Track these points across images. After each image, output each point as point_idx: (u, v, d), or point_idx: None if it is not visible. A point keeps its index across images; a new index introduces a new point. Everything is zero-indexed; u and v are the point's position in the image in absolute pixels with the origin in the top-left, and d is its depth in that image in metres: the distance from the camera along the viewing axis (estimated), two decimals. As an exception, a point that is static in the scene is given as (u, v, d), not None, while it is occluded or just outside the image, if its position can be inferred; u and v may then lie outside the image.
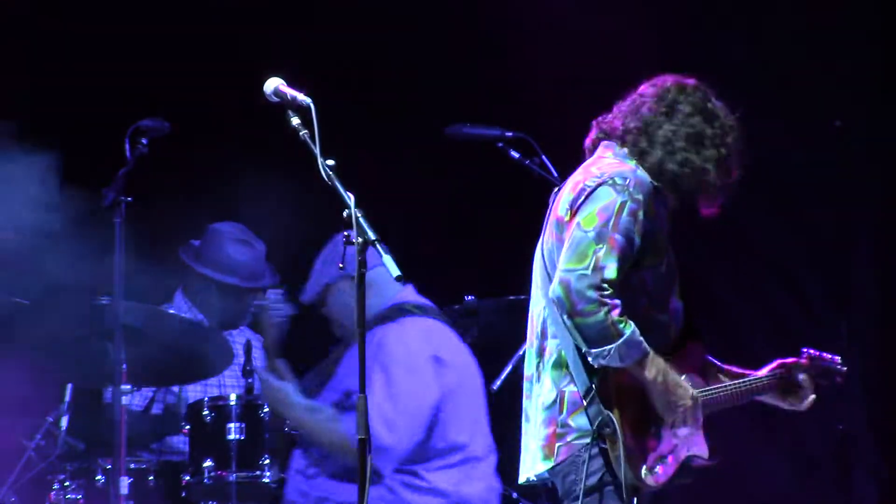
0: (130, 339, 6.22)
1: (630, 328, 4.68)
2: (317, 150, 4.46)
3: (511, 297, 6.65)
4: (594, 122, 5.05)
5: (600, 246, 4.69)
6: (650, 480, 4.77)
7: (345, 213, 4.39)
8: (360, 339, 4.37)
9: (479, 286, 7.13)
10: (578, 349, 4.74)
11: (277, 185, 7.66)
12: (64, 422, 6.67)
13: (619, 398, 4.73)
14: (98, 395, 6.91)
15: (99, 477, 6.49)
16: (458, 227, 8.43)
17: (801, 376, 5.23)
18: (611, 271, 4.67)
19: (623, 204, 4.75)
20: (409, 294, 6.28)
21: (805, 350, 5.35)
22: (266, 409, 6.42)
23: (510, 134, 6.53)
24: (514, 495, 7.30)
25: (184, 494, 6.46)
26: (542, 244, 4.93)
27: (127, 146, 6.42)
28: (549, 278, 4.81)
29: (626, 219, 4.75)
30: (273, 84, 4.63)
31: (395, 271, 4.32)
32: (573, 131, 5.19)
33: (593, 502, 4.75)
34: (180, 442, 6.89)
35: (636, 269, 4.79)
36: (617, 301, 4.67)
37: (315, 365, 6.79)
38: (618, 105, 5.02)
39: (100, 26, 7.84)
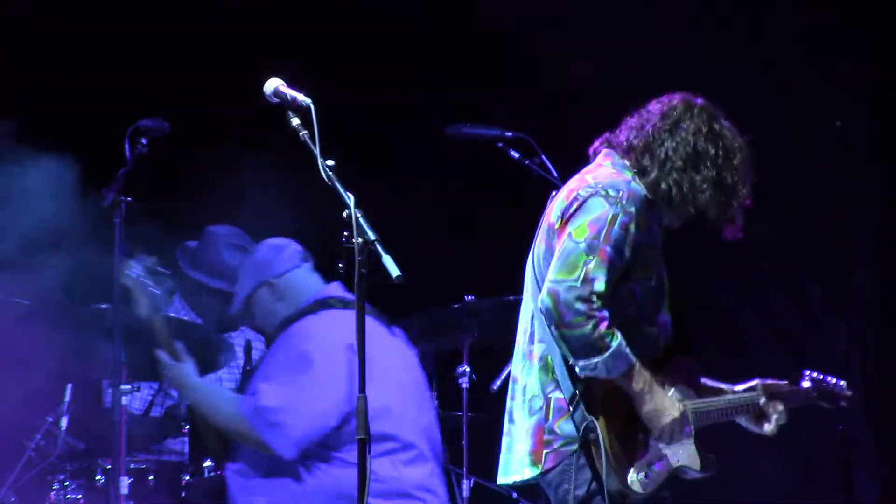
0: (130, 339, 6.22)
1: (617, 340, 4.67)
2: (317, 151, 4.46)
3: (511, 297, 6.64)
4: (602, 137, 5.03)
5: (590, 258, 4.69)
6: (637, 487, 4.76)
7: (345, 214, 4.38)
8: (359, 339, 4.36)
9: (479, 286, 7.13)
10: (565, 356, 4.74)
11: (277, 186, 7.67)
12: (64, 422, 6.67)
13: (605, 405, 4.73)
14: (98, 396, 6.91)
15: (99, 477, 6.49)
16: (458, 227, 8.43)
17: (771, 407, 5.19)
18: (600, 284, 4.67)
19: (615, 217, 4.74)
20: (333, 289, 6.15)
21: (808, 372, 5.34)
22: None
23: (510, 134, 6.53)
24: (514, 495, 7.31)
25: (184, 494, 6.46)
26: (534, 248, 4.93)
27: (127, 146, 6.42)
28: (539, 284, 4.81)
29: (618, 231, 4.74)
30: (273, 85, 4.63)
31: (395, 271, 4.31)
32: (573, 132, 5.19)
33: None
34: (178, 443, 6.89)
35: (625, 280, 4.79)
36: (605, 313, 4.67)
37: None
38: (625, 120, 5.01)
39: (100, 26, 7.84)
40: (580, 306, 4.64)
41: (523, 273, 5.00)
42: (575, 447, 4.74)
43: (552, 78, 8.21)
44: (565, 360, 4.74)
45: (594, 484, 4.73)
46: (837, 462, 8.13)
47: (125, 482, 6.18)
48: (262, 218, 7.56)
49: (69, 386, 6.77)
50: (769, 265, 8.33)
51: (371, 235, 4.35)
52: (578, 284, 4.65)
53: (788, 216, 8.25)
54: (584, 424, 4.71)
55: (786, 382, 5.25)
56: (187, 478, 6.45)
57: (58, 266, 6.66)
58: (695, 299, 7.75)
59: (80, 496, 6.54)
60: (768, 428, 5.18)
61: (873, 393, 8.12)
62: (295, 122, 4.54)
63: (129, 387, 6.24)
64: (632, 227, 4.76)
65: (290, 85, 4.62)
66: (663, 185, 4.87)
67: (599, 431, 4.68)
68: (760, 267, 8.32)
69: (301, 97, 4.57)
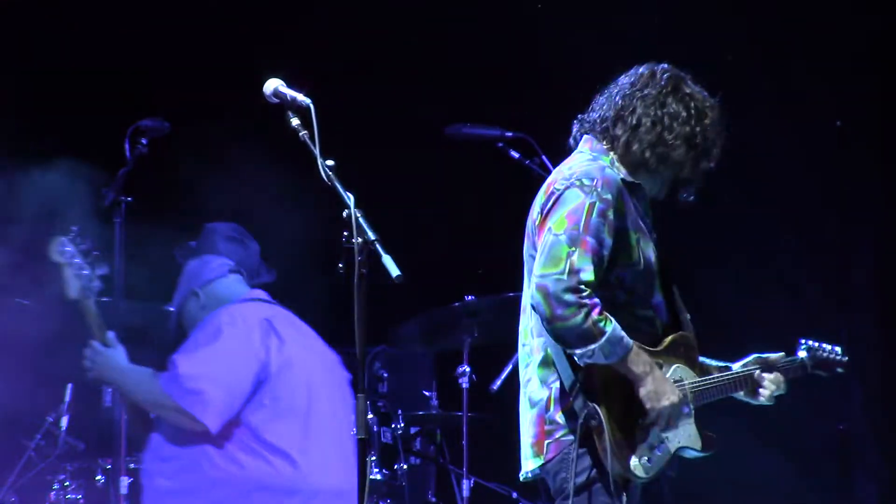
0: (131, 338, 6.22)
1: (611, 325, 4.68)
2: (316, 151, 4.46)
3: (511, 296, 6.65)
4: (575, 119, 5.07)
5: (573, 249, 4.69)
6: (639, 472, 4.76)
7: (344, 214, 4.38)
8: (359, 340, 4.36)
9: (479, 286, 7.13)
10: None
11: (277, 186, 7.66)
12: (64, 422, 6.68)
13: (605, 391, 4.73)
14: (98, 396, 6.91)
15: (99, 477, 6.50)
16: (458, 227, 8.43)
17: (766, 376, 5.21)
18: (587, 273, 4.67)
19: (592, 205, 4.74)
20: (256, 293, 6.12)
21: (803, 340, 5.35)
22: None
23: (510, 134, 6.53)
24: (514, 495, 7.31)
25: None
26: (525, 246, 4.95)
27: (127, 146, 6.42)
28: (529, 280, 4.82)
29: (596, 220, 4.74)
30: (273, 85, 4.63)
31: (395, 271, 4.31)
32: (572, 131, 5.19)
33: (583, 501, 4.74)
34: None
35: (612, 267, 4.79)
36: (596, 300, 4.67)
37: None
38: (595, 98, 5.05)
39: (100, 26, 7.84)
40: (570, 297, 4.64)
41: (516, 273, 5.01)
42: (575, 435, 4.74)
43: (552, 78, 8.22)
44: (563, 350, 4.74)
45: (594, 471, 4.73)
46: (837, 462, 8.14)
47: (125, 482, 6.17)
48: (262, 218, 7.57)
49: (69, 386, 6.78)
50: (769, 265, 8.33)
51: (371, 235, 4.35)
52: (565, 277, 4.66)
53: (789, 216, 8.25)
54: (585, 411, 4.71)
55: (782, 354, 5.26)
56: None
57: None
58: (693, 299, 7.75)
59: (80, 496, 6.55)
60: (764, 397, 5.17)
61: (873, 393, 8.13)
62: (295, 122, 4.54)
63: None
64: (609, 214, 4.76)
65: (289, 85, 4.62)
66: (636, 148, 4.89)
67: (602, 417, 4.69)
68: (760, 267, 8.32)
69: (301, 97, 4.57)
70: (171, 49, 7.96)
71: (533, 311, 4.79)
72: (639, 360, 4.75)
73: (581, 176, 4.81)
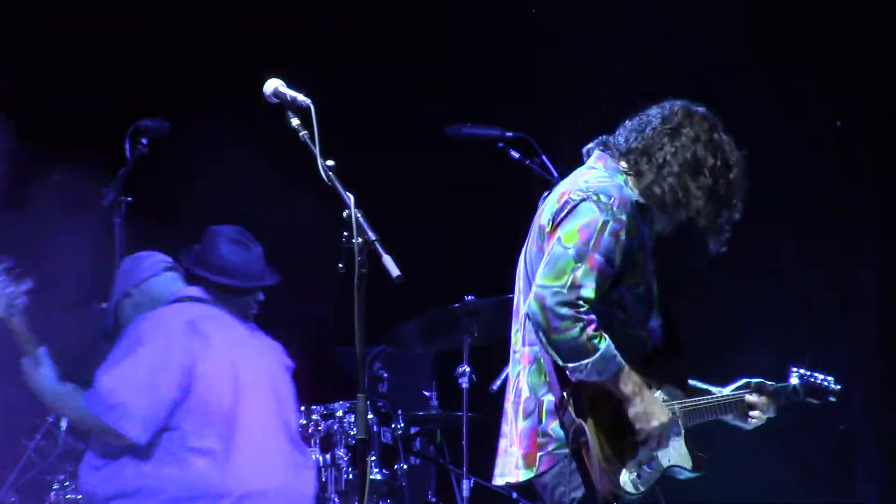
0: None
1: (605, 343, 4.66)
2: (316, 151, 4.46)
3: (511, 296, 6.64)
4: (599, 138, 5.02)
5: (579, 265, 4.67)
6: (629, 488, 4.75)
7: (344, 214, 4.38)
8: (359, 340, 4.36)
9: (479, 286, 7.13)
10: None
11: (277, 186, 7.66)
12: (64, 422, 6.67)
13: (593, 407, 4.72)
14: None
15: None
16: (458, 227, 8.43)
17: (755, 399, 5.21)
18: (588, 290, 4.66)
19: (605, 223, 4.73)
20: (191, 291, 5.99)
21: (795, 369, 5.35)
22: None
23: (510, 134, 6.53)
24: (514, 495, 7.30)
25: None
26: (526, 248, 4.93)
27: (127, 146, 6.42)
28: (530, 286, 4.80)
29: (608, 238, 4.72)
30: (273, 85, 4.62)
31: (395, 271, 4.31)
32: (573, 131, 5.19)
33: None
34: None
35: (615, 285, 4.77)
36: (592, 317, 4.66)
37: None
38: (623, 122, 5.00)
39: (100, 26, 7.84)
40: (566, 311, 4.63)
41: (515, 273, 5.00)
42: (568, 450, 4.74)
43: (552, 78, 8.22)
44: (555, 363, 4.73)
45: (587, 486, 4.73)
46: (837, 462, 8.13)
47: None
48: (262, 218, 7.57)
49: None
50: (771, 265, 8.33)
51: (371, 235, 4.35)
52: (565, 291, 4.64)
53: (789, 216, 8.25)
54: (574, 427, 4.70)
55: (772, 383, 5.26)
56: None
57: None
58: (695, 299, 7.76)
59: (79, 496, 6.54)
60: (753, 421, 5.17)
61: (874, 393, 8.12)
62: (295, 122, 4.54)
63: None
64: (622, 235, 4.75)
65: (289, 85, 4.62)
66: (657, 189, 4.86)
67: (589, 434, 4.68)
68: (762, 267, 8.32)
69: (301, 97, 4.57)
70: (172, 49, 7.95)
71: (527, 320, 4.78)
72: (629, 380, 4.73)
73: (598, 191, 4.79)
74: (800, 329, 8.21)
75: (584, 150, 5.05)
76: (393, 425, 7.12)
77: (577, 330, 4.63)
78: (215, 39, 8.06)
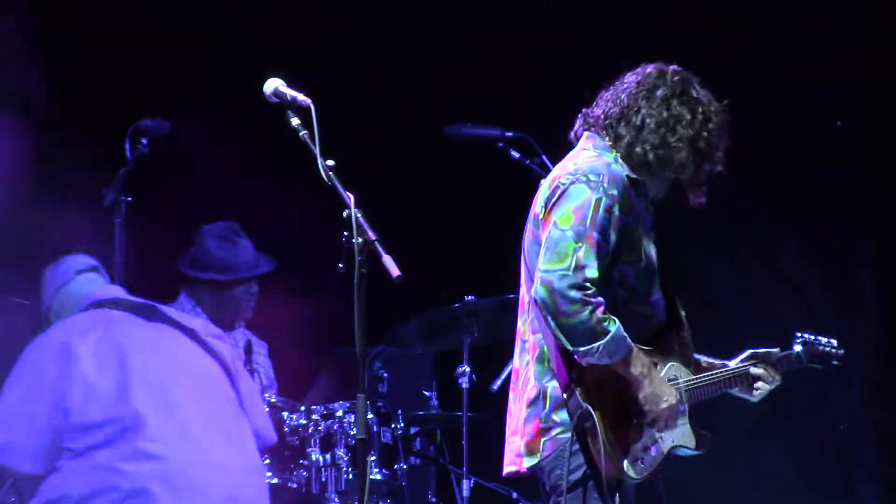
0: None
1: (615, 325, 4.68)
2: (317, 151, 4.46)
3: (511, 296, 6.64)
4: (580, 114, 5.06)
5: (579, 245, 4.69)
6: (633, 473, 4.77)
7: (344, 214, 4.38)
8: (359, 340, 4.36)
9: (479, 286, 7.13)
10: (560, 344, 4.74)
11: (277, 186, 7.66)
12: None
13: (599, 392, 4.74)
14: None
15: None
16: (458, 227, 8.43)
17: (760, 370, 5.21)
18: (592, 270, 4.68)
19: (598, 201, 4.75)
20: (109, 291, 5.66)
21: (799, 334, 5.34)
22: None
23: (510, 134, 6.53)
24: (514, 495, 7.30)
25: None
26: (524, 240, 4.94)
27: (127, 146, 6.42)
28: (531, 275, 4.81)
29: (602, 215, 4.75)
30: (273, 85, 4.63)
31: (395, 271, 4.31)
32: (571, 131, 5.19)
33: (577, 497, 4.75)
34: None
35: (615, 263, 4.79)
36: (600, 299, 4.67)
37: None
38: (601, 94, 5.03)
39: (100, 26, 7.84)
40: (575, 294, 4.64)
41: (519, 266, 5.01)
42: (570, 433, 4.74)
43: (552, 78, 8.21)
44: (560, 349, 4.74)
45: (588, 469, 4.74)
46: (838, 462, 8.13)
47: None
48: (262, 217, 7.57)
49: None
50: (770, 264, 8.33)
51: (371, 235, 4.35)
52: (571, 273, 4.66)
53: (789, 216, 8.25)
54: (579, 412, 4.71)
55: (777, 349, 5.26)
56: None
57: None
58: (694, 298, 7.75)
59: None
60: (757, 393, 5.18)
61: (874, 393, 8.12)
62: (295, 121, 4.55)
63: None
64: (615, 210, 4.77)
65: (289, 85, 4.62)
66: (638, 149, 4.89)
67: (595, 419, 4.69)
68: (762, 266, 8.32)
69: (301, 97, 4.57)
70: (172, 49, 7.95)
71: (534, 307, 4.79)
72: (637, 362, 4.75)
73: (587, 171, 4.81)
74: (800, 329, 8.21)
75: (572, 132, 5.07)
76: (393, 425, 7.12)
77: (586, 313, 4.64)
78: (215, 39, 8.05)
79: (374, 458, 6.92)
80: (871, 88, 8.19)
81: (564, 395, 4.77)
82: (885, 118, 8.17)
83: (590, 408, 4.70)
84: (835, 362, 5.38)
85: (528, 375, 4.90)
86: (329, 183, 4.43)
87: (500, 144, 6.53)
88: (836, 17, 8.04)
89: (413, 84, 8.39)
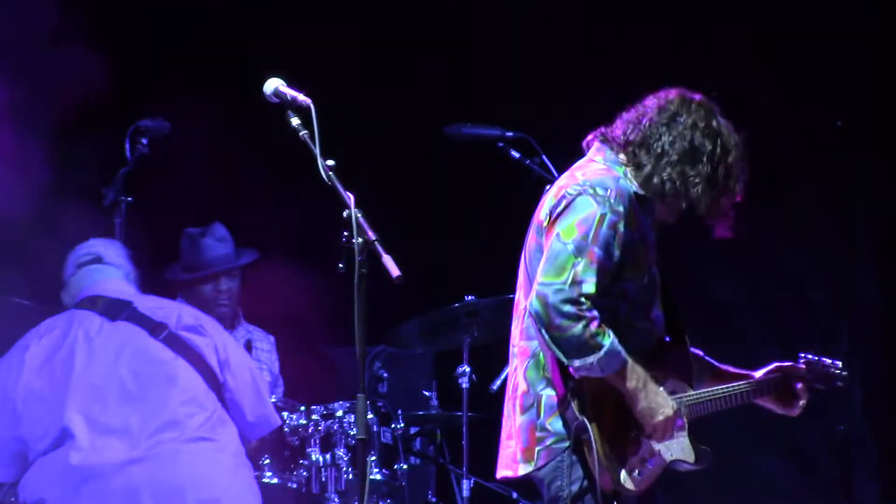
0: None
1: (609, 339, 4.67)
2: (317, 151, 4.46)
3: (511, 296, 6.64)
4: (598, 129, 5.02)
5: (579, 260, 4.67)
6: (630, 485, 4.75)
7: (344, 214, 4.38)
8: (359, 340, 4.36)
9: (479, 286, 7.13)
10: None
11: (276, 185, 7.66)
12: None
13: (596, 403, 4.72)
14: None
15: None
16: (458, 227, 8.43)
17: (798, 385, 5.22)
18: (589, 286, 4.66)
19: (603, 216, 4.73)
20: (100, 287, 5.63)
21: (803, 355, 5.33)
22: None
23: (510, 134, 6.52)
24: (514, 495, 7.30)
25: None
26: (526, 245, 4.93)
27: (127, 146, 6.42)
28: (531, 282, 4.80)
29: (606, 231, 4.72)
30: (273, 85, 4.63)
31: (395, 271, 4.31)
32: (573, 131, 5.19)
33: None
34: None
35: (617, 279, 4.77)
36: (595, 313, 4.66)
37: None
38: (621, 115, 5.00)
39: (101, 26, 7.84)
40: (569, 308, 4.63)
41: (517, 271, 5.00)
42: (567, 444, 4.74)
43: (552, 78, 8.22)
44: (556, 359, 4.73)
45: (586, 482, 4.73)
46: (838, 462, 8.13)
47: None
48: (262, 218, 7.58)
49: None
50: (770, 265, 8.32)
51: (371, 235, 4.35)
52: (566, 287, 4.64)
53: (790, 216, 8.25)
54: (576, 424, 4.70)
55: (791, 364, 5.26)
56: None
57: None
58: (696, 299, 7.75)
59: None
60: (799, 407, 5.19)
61: (874, 393, 8.12)
62: (295, 121, 4.54)
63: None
64: (620, 227, 4.75)
65: (289, 85, 4.62)
66: (656, 180, 4.86)
67: (591, 431, 4.68)
68: (762, 267, 8.31)
69: (301, 97, 4.57)
70: (172, 49, 7.95)
71: (528, 316, 4.78)
72: (633, 375, 4.73)
73: (595, 184, 4.79)
74: (800, 329, 8.21)
75: (584, 142, 5.05)
76: (393, 425, 7.12)
77: (580, 327, 4.63)
78: (216, 39, 8.05)
79: (374, 458, 6.92)
80: (871, 88, 8.18)
81: (561, 406, 4.76)
82: (885, 118, 8.17)
83: (585, 420, 4.69)
84: (838, 383, 5.36)
85: (517, 381, 4.88)
86: (329, 183, 4.43)
87: (500, 144, 6.52)
88: (836, 16, 8.04)
89: (413, 84, 8.39)
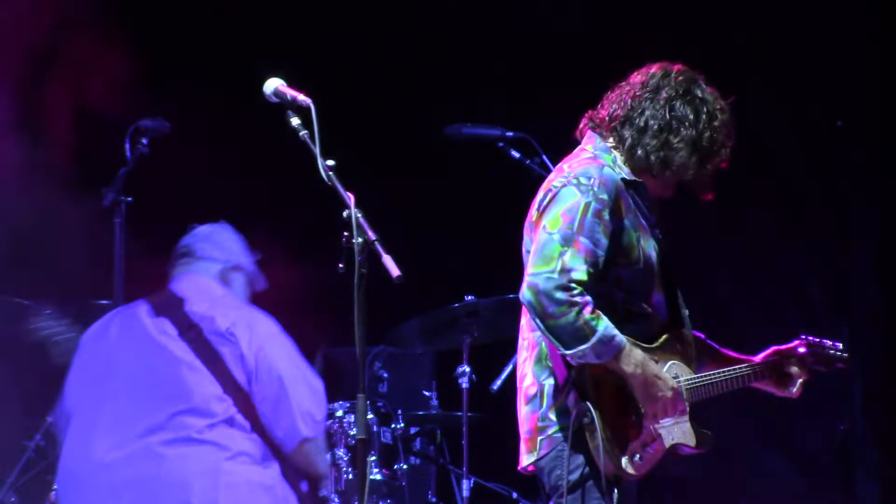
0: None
1: (603, 324, 4.67)
2: (317, 151, 4.46)
3: (511, 296, 6.64)
4: (586, 114, 5.05)
5: (566, 249, 4.68)
6: (631, 469, 4.76)
7: (344, 214, 4.38)
8: (359, 340, 4.36)
9: (479, 286, 7.13)
10: None
11: (276, 185, 7.66)
12: (64, 422, 6.66)
13: (597, 389, 4.73)
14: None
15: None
16: (458, 227, 8.43)
17: (794, 368, 5.22)
18: (579, 273, 4.67)
19: (587, 205, 4.74)
20: (176, 284, 5.76)
21: (804, 337, 5.33)
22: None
23: (510, 134, 6.52)
24: (514, 495, 7.31)
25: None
26: (523, 242, 4.95)
27: (127, 146, 6.42)
28: None
29: (591, 220, 4.73)
30: (273, 84, 4.63)
31: (396, 271, 4.31)
32: (573, 131, 5.19)
33: (577, 498, 4.74)
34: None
35: (611, 265, 4.78)
36: (587, 298, 4.66)
37: None
38: (606, 95, 5.03)
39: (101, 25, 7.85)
40: (561, 295, 4.64)
41: (517, 269, 5.02)
42: (567, 432, 4.74)
43: (552, 78, 8.22)
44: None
45: (587, 468, 4.74)
46: (837, 461, 8.13)
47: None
48: (263, 218, 7.57)
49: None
50: (770, 265, 8.33)
51: (371, 235, 4.35)
52: (556, 275, 4.65)
53: (790, 216, 8.25)
54: (577, 409, 4.71)
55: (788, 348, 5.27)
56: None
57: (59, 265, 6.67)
58: (695, 299, 7.75)
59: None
60: (796, 389, 5.19)
61: (874, 393, 8.12)
62: (295, 121, 4.55)
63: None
64: (605, 214, 4.76)
65: (289, 85, 4.62)
66: (640, 152, 4.88)
67: (593, 415, 4.68)
68: (762, 267, 8.32)
69: (301, 97, 4.57)
70: (172, 49, 7.95)
71: (525, 309, 4.79)
72: (630, 360, 4.73)
73: (579, 174, 4.81)
74: (800, 329, 8.21)
75: (577, 132, 5.07)
76: (393, 425, 7.12)
77: (573, 314, 4.64)
78: (216, 39, 8.05)
79: (374, 458, 6.92)
80: (871, 88, 8.18)
81: (562, 393, 4.77)
82: (885, 118, 8.17)
83: (588, 404, 4.70)
84: (839, 365, 5.36)
85: (525, 372, 4.90)
86: (329, 183, 4.43)
87: (501, 144, 6.53)
88: (836, 16, 8.04)
89: (413, 84, 8.39)
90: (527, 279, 4.70)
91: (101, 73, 7.57)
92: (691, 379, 4.96)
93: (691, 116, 4.90)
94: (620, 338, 4.71)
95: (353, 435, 6.74)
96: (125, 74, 7.41)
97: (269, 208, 7.82)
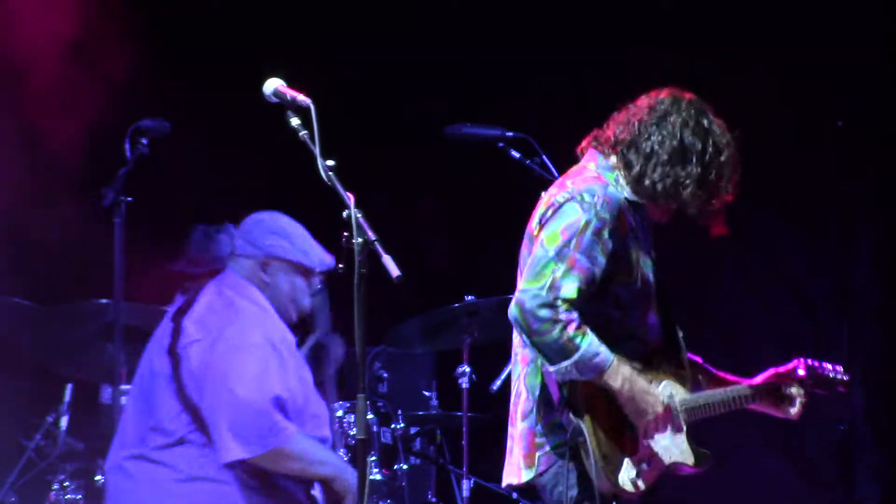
0: (131, 339, 6.22)
1: (587, 341, 4.64)
2: (316, 151, 4.46)
3: (511, 296, 6.64)
4: (592, 132, 5.02)
5: (559, 266, 4.66)
6: (629, 487, 4.74)
7: (344, 214, 4.38)
8: (359, 340, 4.36)
9: (479, 286, 7.13)
10: None
11: (276, 185, 7.66)
12: (64, 422, 6.68)
13: (590, 406, 4.71)
14: (97, 395, 6.91)
15: (99, 477, 6.49)
16: (458, 227, 8.43)
17: (793, 389, 5.21)
18: (568, 290, 4.64)
19: (588, 223, 4.71)
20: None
21: (803, 360, 5.31)
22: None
23: (510, 134, 6.51)
24: (514, 495, 7.30)
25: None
26: (521, 253, 4.93)
27: (127, 146, 6.42)
28: None
29: (590, 238, 4.71)
30: (273, 85, 4.63)
31: (395, 271, 4.31)
32: (573, 131, 5.19)
33: None
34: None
35: (608, 283, 4.76)
36: (573, 315, 4.63)
37: None
38: (613, 115, 4.99)
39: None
40: (545, 313, 4.62)
41: (517, 271, 5.01)
42: (565, 449, 4.73)
43: (552, 78, 8.22)
44: None
45: (584, 486, 4.72)
46: (838, 462, 8.13)
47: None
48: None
49: (69, 386, 6.78)
50: (770, 265, 8.33)
51: (371, 235, 4.35)
52: (543, 293, 4.63)
53: (790, 216, 8.25)
54: (572, 427, 4.69)
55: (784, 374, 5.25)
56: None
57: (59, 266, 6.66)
58: (695, 299, 7.75)
59: (79, 496, 6.55)
60: (794, 410, 5.17)
61: (874, 393, 8.12)
62: (295, 122, 4.55)
63: (129, 386, 6.23)
64: (605, 234, 4.73)
65: (289, 85, 4.62)
66: (647, 182, 4.84)
67: (587, 434, 4.67)
68: (762, 267, 8.32)
69: (301, 97, 4.57)
70: (172, 49, 7.95)
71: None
72: (618, 376, 4.71)
73: (583, 191, 4.78)
74: (800, 330, 8.21)
75: (578, 149, 5.04)
76: (393, 425, 7.12)
77: (556, 331, 4.62)
78: (216, 39, 8.05)
79: (374, 458, 6.92)
80: (871, 88, 8.19)
81: (557, 410, 4.76)
82: (885, 118, 8.17)
83: (580, 423, 4.68)
84: (840, 388, 5.35)
85: (519, 388, 4.89)
86: (329, 183, 4.43)
87: (501, 144, 6.52)
88: (836, 16, 8.04)
89: (413, 84, 8.39)
90: (515, 296, 4.70)
91: (102, 73, 7.58)
92: (688, 399, 4.94)
93: (699, 148, 4.84)
94: (606, 355, 4.68)
95: (353, 435, 6.74)
96: (125, 74, 7.41)
97: (269, 208, 7.81)
